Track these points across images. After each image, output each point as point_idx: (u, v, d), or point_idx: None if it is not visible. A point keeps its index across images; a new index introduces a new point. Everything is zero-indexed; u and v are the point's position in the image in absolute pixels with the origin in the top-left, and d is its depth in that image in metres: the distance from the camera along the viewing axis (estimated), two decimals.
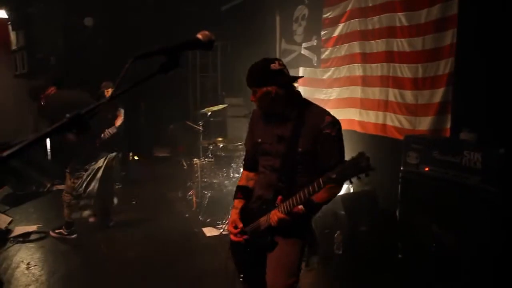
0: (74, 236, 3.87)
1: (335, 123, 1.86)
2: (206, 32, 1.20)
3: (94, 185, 3.87)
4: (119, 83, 0.98)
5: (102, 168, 3.87)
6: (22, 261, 3.38)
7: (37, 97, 3.73)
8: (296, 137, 1.87)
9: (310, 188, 1.68)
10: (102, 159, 3.88)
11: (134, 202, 5.03)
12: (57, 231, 3.87)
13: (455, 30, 3.36)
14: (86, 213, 3.96)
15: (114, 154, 3.99)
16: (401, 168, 3.17)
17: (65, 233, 3.85)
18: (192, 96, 7.84)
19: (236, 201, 2.12)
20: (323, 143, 1.84)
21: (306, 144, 1.85)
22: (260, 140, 2.01)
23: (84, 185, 3.82)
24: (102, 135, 3.86)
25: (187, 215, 4.50)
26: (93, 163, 3.85)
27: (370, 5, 4.26)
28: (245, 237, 1.97)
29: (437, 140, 3.07)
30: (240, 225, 1.97)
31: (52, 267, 3.32)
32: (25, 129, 7.42)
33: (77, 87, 5.89)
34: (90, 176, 3.84)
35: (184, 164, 5.42)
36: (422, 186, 2.96)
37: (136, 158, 6.87)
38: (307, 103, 1.95)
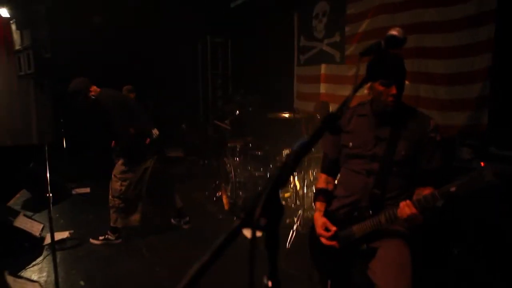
0: (120, 241, 3.78)
1: (439, 127, 1.85)
2: (397, 28, 1.17)
3: (143, 187, 3.75)
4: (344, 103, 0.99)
5: (149, 170, 3.75)
6: (67, 271, 3.26)
7: (86, 92, 3.57)
8: (397, 140, 1.85)
9: (423, 200, 1.64)
10: (150, 160, 3.76)
11: None
12: (101, 238, 3.76)
13: (493, 25, 3.39)
14: (134, 218, 3.83)
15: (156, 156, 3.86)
16: (453, 164, 3.19)
17: (113, 238, 3.76)
18: (202, 94, 7.74)
19: (318, 203, 2.10)
20: (426, 146, 1.84)
21: (409, 148, 1.83)
22: (351, 144, 1.96)
23: (132, 187, 3.70)
24: (152, 135, 3.76)
25: (220, 217, 4.44)
26: (142, 163, 3.73)
27: (399, 1, 4.26)
28: (335, 242, 1.92)
29: (494, 135, 3.09)
30: (333, 228, 1.93)
31: (100, 274, 3.23)
32: (30, 130, 7.22)
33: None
34: (138, 178, 3.71)
35: (215, 164, 5.35)
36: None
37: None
38: (405, 105, 1.93)
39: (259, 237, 0.72)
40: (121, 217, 3.75)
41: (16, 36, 6.80)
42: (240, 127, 5.07)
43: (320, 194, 2.12)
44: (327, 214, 2.03)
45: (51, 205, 2.63)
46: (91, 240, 3.78)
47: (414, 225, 1.74)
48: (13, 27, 6.72)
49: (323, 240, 1.95)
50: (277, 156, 4.34)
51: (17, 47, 6.82)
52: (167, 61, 7.01)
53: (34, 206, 4.68)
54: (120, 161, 3.75)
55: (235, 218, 4.28)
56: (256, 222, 0.67)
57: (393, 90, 1.77)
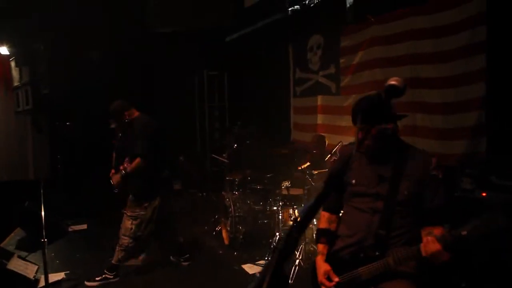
0: (117, 279, 3.68)
1: (440, 165, 1.85)
2: (396, 78, 1.18)
3: (152, 226, 3.67)
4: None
5: (157, 208, 3.67)
6: None
7: (121, 113, 3.62)
8: (399, 179, 1.82)
9: (432, 241, 1.62)
10: (159, 199, 3.67)
11: None
12: (97, 278, 3.63)
13: (484, 56, 3.46)
14: (139, 258, 3.73)
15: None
16: (455, 194, 3.15)
17: (111, 277, 3.65)
18: (199, 126, 7.76)
19: (321, 246, 2.03)
20: (429, 184, 1.82)
21: (411, 186, 1.81)
22: (354, 181, 1.93)
23: (143, 226, 3.62)
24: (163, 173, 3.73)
25: (220, 252, 4.34)
26: (152, 201, 3.65)
27: (392, 33, 4.35)
28: None
29: (494, 165, 3.08)
30: (336, 279, 1.86)
31: None
32: (26, 166, 7.16)
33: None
34: (149, 217, 3.63)
35: (214, 198, 5.30)
36: (479, 212, 2.93)
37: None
38: (405, 143, 1.92)
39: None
40: (125, 257, 3.66)
41: (15, 73, 6.86)
42: (238, 160, 5.06)
43: (323, 235, 2.06)
44: (331, 256, 1.97)
45: (45, 248, 2.55)
46: (87, 283, 3.64)
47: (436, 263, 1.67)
48: (12, 64, 6.79)
49: None
50: (277, 189, 4.31)
51: (16, 83, 6.87)
52: (164, 95, 7.05)
53: (28, 246, 4.56)
54: (130, 198, 3.69)
55: (235, 253, 4.18)
56: None
57: (374, 132, 1.76)
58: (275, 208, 4.17)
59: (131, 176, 3.56)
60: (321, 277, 1.90)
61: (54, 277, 3.78)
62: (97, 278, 3.65)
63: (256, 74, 6.66)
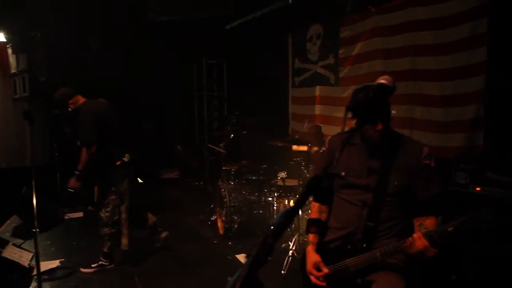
0: (112, 265, 3.73)
1: (432, 154, 1.81)
2: (386, 76, 1.16)
3: (126, 210, 3.68)
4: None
5: (128, 193, 3.68)
6: None
7: (65, 103, 3.53)
8: (389, 170, 1.81)
9: (419, 237, 1.60)
10: (124, 183, 3.65)
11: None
12: (93, 265, 3.67)
13: (485, 48, 3.41)
14: (124, 243, 3.75)
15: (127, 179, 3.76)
16: (449, 188, 3.14)
17: (106, 263, 3.70)
18: (197, 115, 7.73)
19: (311, 235, 2.03)
20: (421, 174, 1.78)
21: (402, 177, 1.79)
22: (343, 173, 1.92)
23: (117, 210, 3.64)
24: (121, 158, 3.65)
25: (215, 242, 4.36)
26: (118, 186, 3.62)
27: (392, 24, 4.29)
28: (325, 283, 1.85)
29: (490, 160, 3.05)
30: (325, 270, 1.85)
31: None
32: (24, 153, 7.16)
33: None
34: (119, 201, 3.63)
35: (210, 188, 5.30)
36: (472, 206, 2.92)
37: (140, 181, 6.64)
38: (397, 134, 1.90)
39: None
40: (113, 244, 3.71)
41: (12, 60, 6.81)
42: (235, 150, 5.03)
43: (313, 225, 2.05)
44: (320, 247, 1.97)
45: (37, 238, 2.55)
46: (82, 270, 3.68)
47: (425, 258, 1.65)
48: (9, 51, 6.74)
49: (313, 278, 1.88)
50: (272, 180, 4.30)
51: (13, 70, 6.82)
52: (162, 83, 7.02)
53: (24, 233, 4.57)
54: (95, 188, 3.69)
55: (229, 243, 4.19)
56: None
57: (379, 127, 1.75)
58: (270, 198, 4.16)
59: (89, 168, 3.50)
60: (310, 267, 1.90)
61: (49, 264, 3.80)
62: (92, 265, 3.68)
63: (255, 64, 6.61)
